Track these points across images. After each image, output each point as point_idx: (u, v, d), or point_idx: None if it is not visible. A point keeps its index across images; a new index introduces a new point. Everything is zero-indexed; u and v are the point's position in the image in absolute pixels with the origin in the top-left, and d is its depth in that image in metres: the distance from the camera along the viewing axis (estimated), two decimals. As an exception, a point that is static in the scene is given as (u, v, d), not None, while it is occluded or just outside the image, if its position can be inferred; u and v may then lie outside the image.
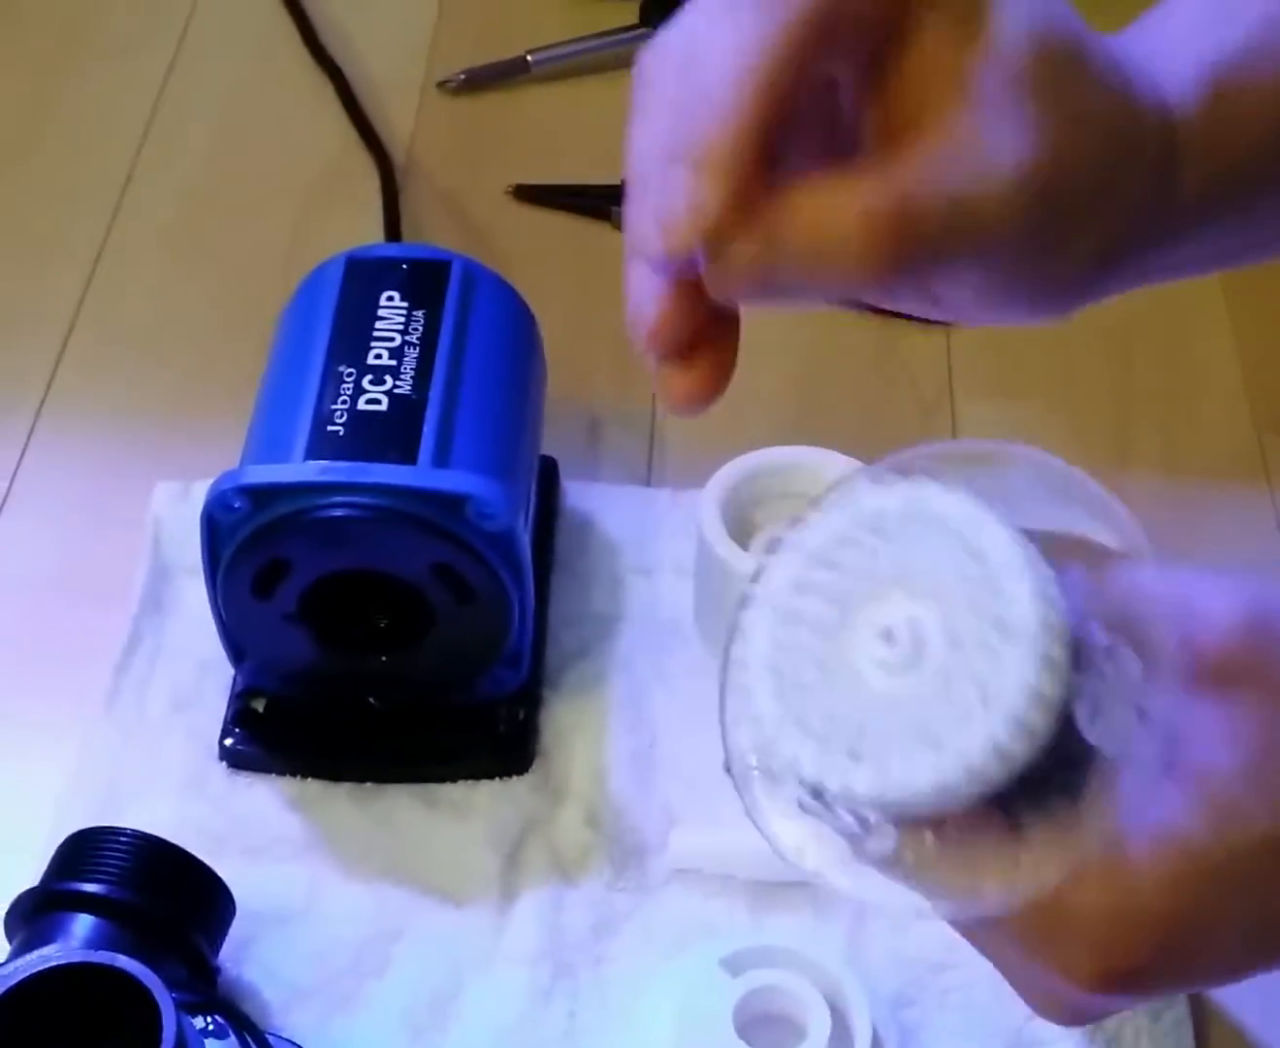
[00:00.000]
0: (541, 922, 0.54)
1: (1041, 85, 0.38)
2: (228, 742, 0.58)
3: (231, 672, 0.59)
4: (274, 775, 0.58)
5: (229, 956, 0.52)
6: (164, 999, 0.44)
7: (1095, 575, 0.37)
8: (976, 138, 0.38)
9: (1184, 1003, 0.52)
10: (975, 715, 0.34)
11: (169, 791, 0.57)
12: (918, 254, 0.38)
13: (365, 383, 0.56)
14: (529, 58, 0.85)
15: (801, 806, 0.36)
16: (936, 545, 0.35)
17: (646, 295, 0.40)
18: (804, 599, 0.36)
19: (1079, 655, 0.35)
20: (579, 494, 0.66)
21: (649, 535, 0.65)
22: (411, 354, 0.57)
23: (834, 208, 0.38)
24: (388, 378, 0.56)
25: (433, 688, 0.58)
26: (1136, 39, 0.43)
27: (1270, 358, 0.73)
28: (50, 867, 0.51)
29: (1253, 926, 0.38)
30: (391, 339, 0.57)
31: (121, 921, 0.49)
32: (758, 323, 0.75)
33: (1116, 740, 0.35)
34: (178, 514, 0.65)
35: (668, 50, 0.39)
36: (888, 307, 0.43)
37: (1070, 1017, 0.41)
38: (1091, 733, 0.35)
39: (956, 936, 0.40)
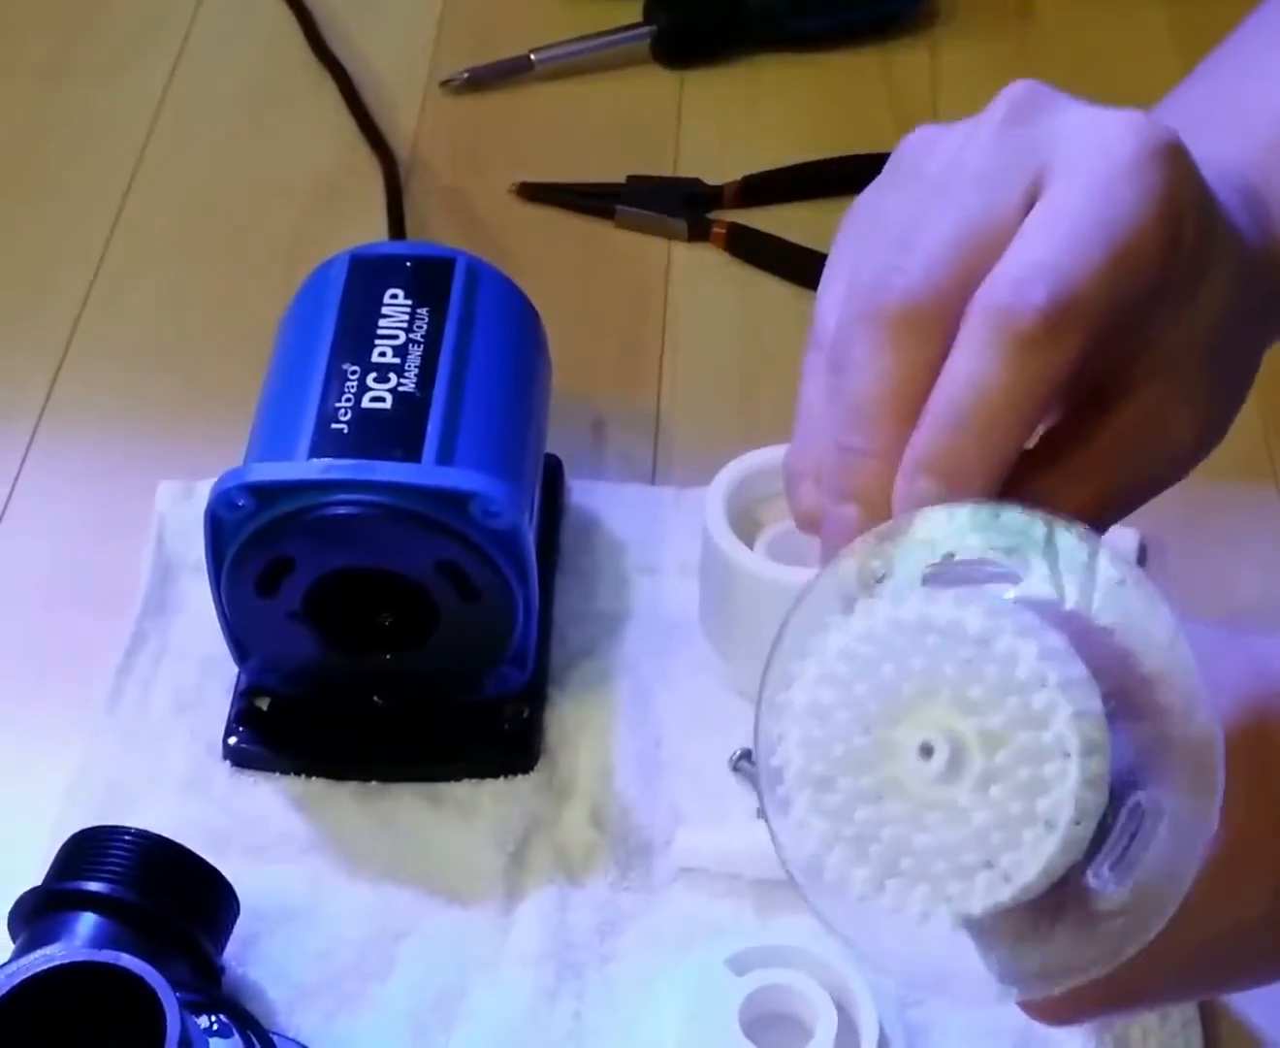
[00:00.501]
0: (546, 922, 0.54)
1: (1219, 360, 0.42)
2: (231, 741, 0.58)
3: (235, 670, 0.59)
4: (278, 775, 0.57)
5: (233, 955, 0.52)
6: (168, 998, 0.43)
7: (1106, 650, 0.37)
8: (1166, 413, 0.42)
9: (1193, 1004, 0.52)
10: (1025, 837, 0.34)
11: (172, 790, 0.57)
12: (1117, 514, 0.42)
13: (369, 381, 0.56)
14: (532, 56, 0.85)
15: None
16: (960, 656, 0.35)
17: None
18: (836, 712, 0.36)
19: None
20: (584, 493, 0.66)
21: (654, 534, 0.65)
22: (416, 352, 0.57)
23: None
24: (392, 376, 0.56)
25: (437, 686, 0.58)
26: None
27: (1278, 356, 0.73)
28: (54, 866, 0.51)
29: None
30: (396, 337, 0.57)
31: (125, 920, 0.48)
32: (761, 322, 0.75)
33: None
34: (181, 513, 0.65)
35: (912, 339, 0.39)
36: None
37: None
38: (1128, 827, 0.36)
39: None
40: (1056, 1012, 0.40)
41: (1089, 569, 0.37)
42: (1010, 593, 0.37)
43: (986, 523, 0.37)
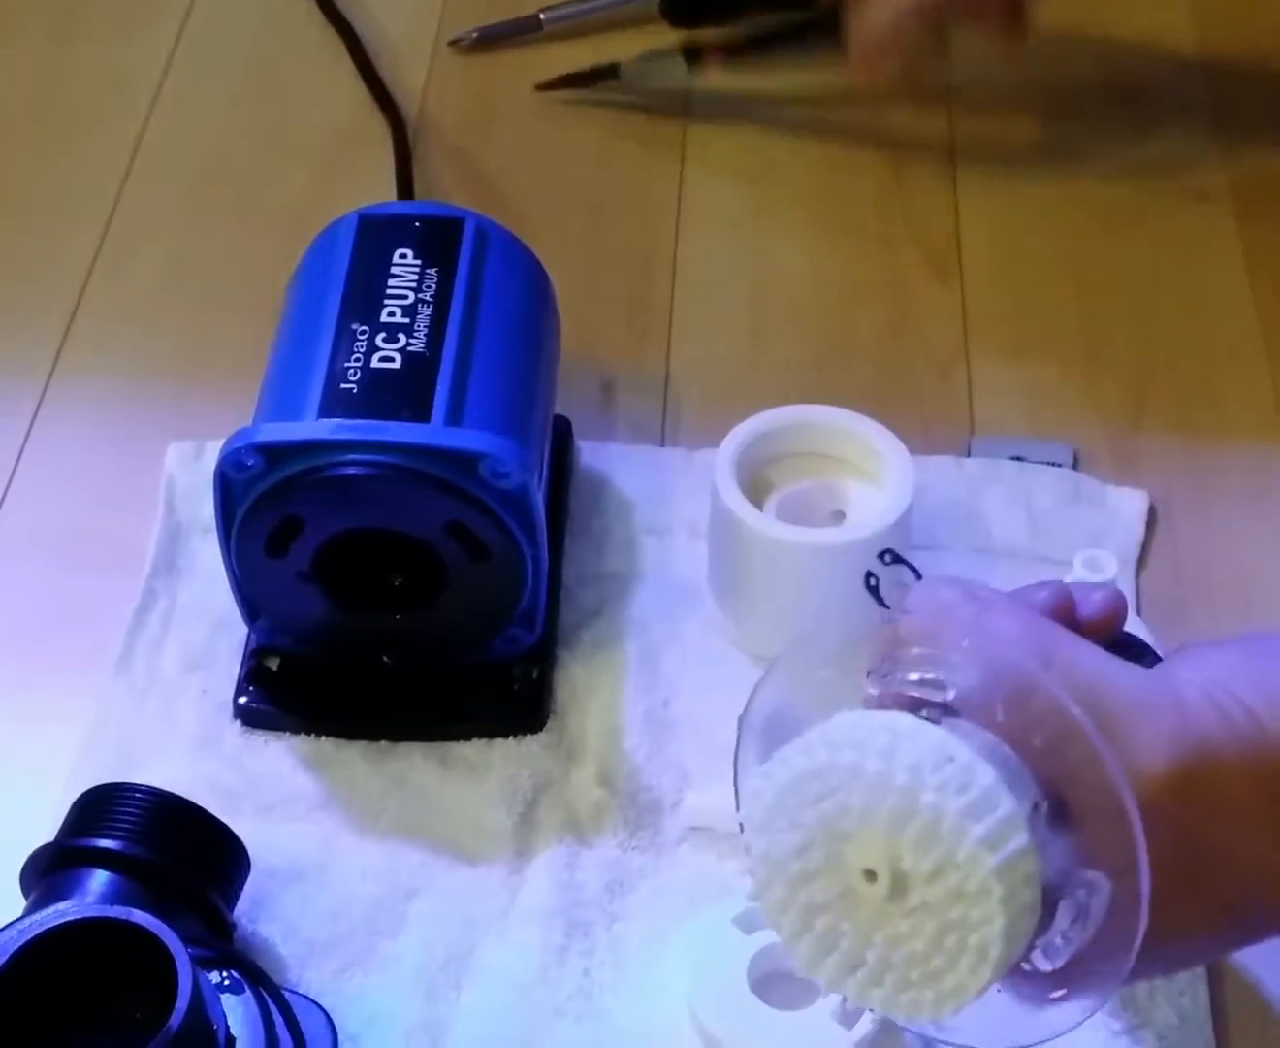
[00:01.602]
0: (555, 880, 0.54)
1: None
2: (242, 700, 0.58)
3: (245, 630, 0.59)
4: (288, 734, 0.58)
5: (244, 912, 0.52)
6: (180, 954, 0.44)
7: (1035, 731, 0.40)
8: None
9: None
10: (962, 964, 0.38)
11: (183, 749, 0.57)
12: None
13: (378, 341, 0.56)
14: (541, 16, 0.84)
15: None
16: (888, 804, 0.38)
17: None
18: (788, 835, 0.40)
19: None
20: (593, 454, 0.66)
21: (663, 495, 0.65)
22: (425, 312, 0.57)
23: None
24: (401, 336, 0.56)
25: (447, 647, 0.58)
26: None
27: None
28: (66, 823, 0.51)
29: None
30: (405, 297, 0.57)
31: (137, 876, 0.49)
32: (773, 282, 0.75)
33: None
34: (191, 474, 0.65)
35: None
36: None
37: None
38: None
39: None
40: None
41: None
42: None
43: None
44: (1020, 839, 0.38)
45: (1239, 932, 0.43)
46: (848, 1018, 0.49)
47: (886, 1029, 0.49)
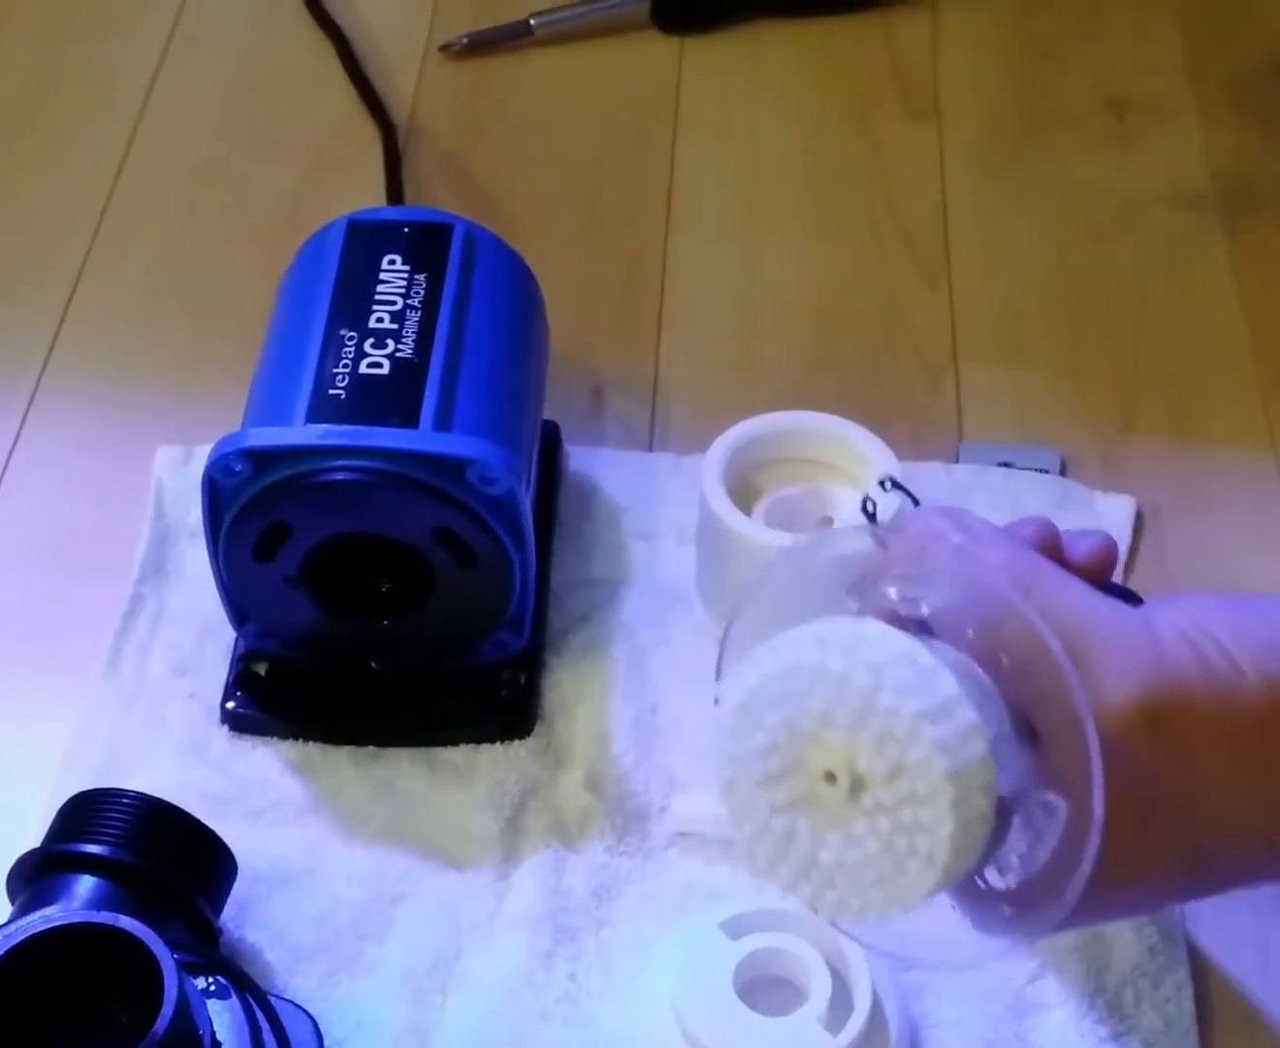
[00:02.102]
0: (543, 886, 0.54)
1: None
2: (229, 705, 0.58)
3: (233, 635, 0.59)
4: (275, 739, 0.58)
5: (231, 918, 0.52)
6: (166, 960, 0.44)
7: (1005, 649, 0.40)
8: None
9: (1184, 966, 0.52)
10: (910, 867, 0.38)
11: (171, 754, 0.57)
12: None
13: (367, 347, 0.56)
14: (532, 21, 0.85)
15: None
16: (850, 706, 0.38)
17: None
18: (752, 735, 0.40)
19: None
20: (581, 459, 0.66)
21: (651, 500, 0.65)
22: (413, 318, 0.57)
23: None
24: (389, 342, 0.56)
25: (435, 652, 0.58)
26: None
27: (1277, 325, 0.73)
28: (52, 828, 0.51)
29: None
30: (393, 303, 0.57)
31: (123, 882, 0.49)
32: (762, 289, 0.75)
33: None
34: (179, 478, 0.65)
35: None
36: None
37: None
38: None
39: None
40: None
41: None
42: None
43: None
44: (977, 748, 0.38)
45: (1199, 879, 0.43)
46: (833, 1024, 0.49)
47: (872, 1034, 0.49)
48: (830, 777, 0.39)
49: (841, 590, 0.43)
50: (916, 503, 0.48)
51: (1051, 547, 0.45)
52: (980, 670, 0.40)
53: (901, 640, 0.39)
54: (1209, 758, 0.40)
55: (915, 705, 0.38)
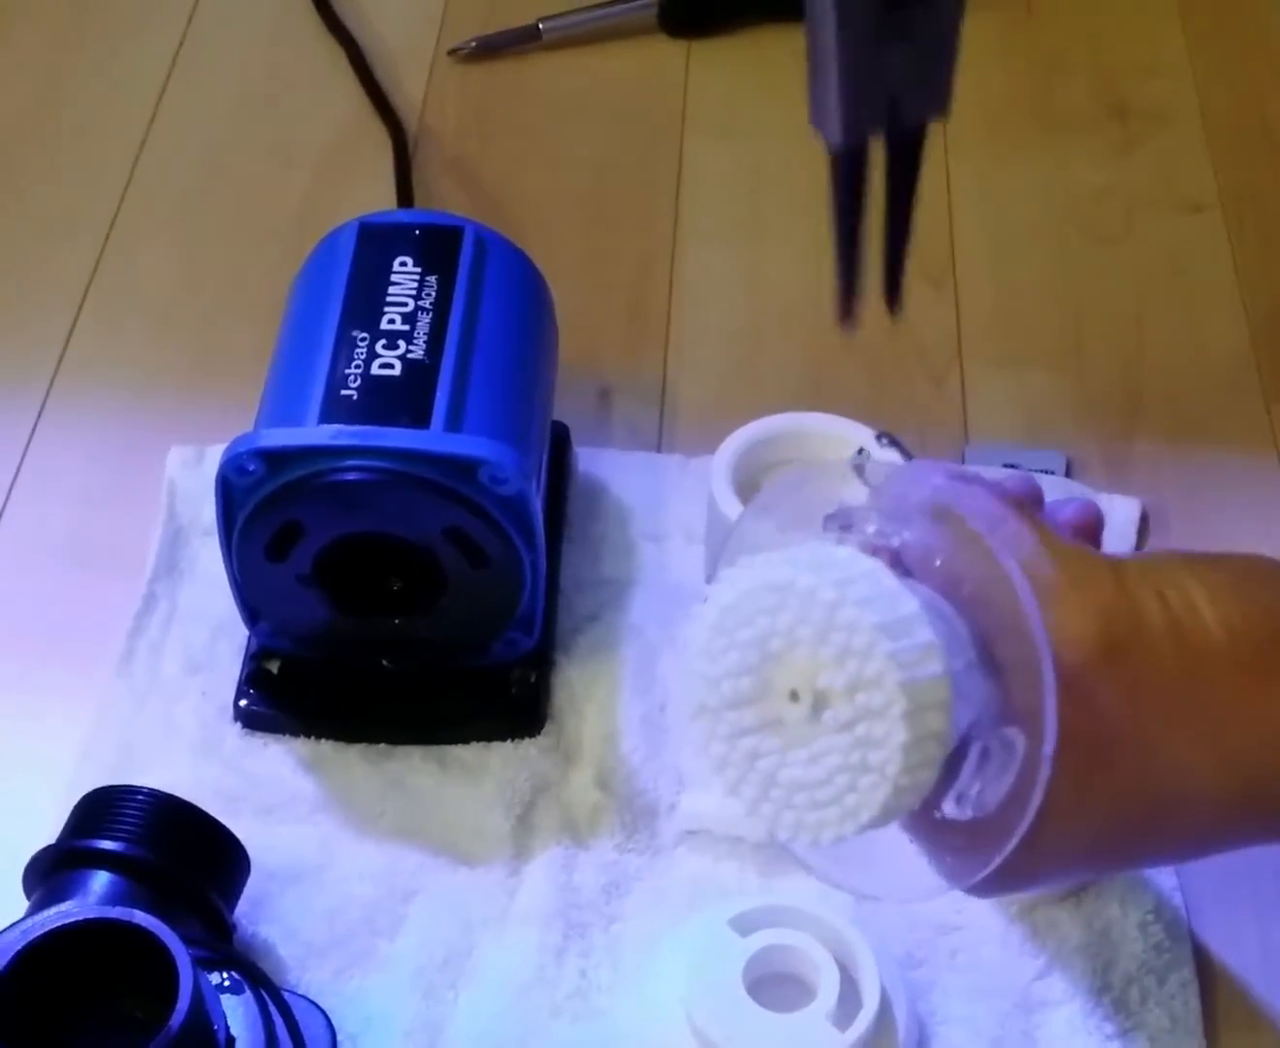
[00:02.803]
0: (553, 883, 0.55)
1: None
2: (242, 703, 0.59)
3: (246, 634, 0.59)
4: (288, 736, 0.58)
5: (244, 914, 0.53)
6: (181, 955, 0.44)
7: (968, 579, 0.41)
8: None
9: (1190, 964, 0.53)
10: (862, 783, 0.39)
11: (184, 751, 0.58)
12: None
13: (379, 348, 0.56)
14: (540, 25, 0.85)
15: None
16: (813, 619, 0.39)
17: None
18: (725, 655, 0.40)
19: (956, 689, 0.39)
20: (590, 460, 0.67)
21: (660, 501, 0.66)
22: (424, 319, 0.57)
23: None
24: (401, 343, 0.56)
25: (445, 651, 0.58)
26: None
27: (1279, 329, 0.74)
28: (68, 825, 0.51)
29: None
30: (404, 304, 0.58)
31: (138, 878, 0.49)
32: (766, 292, 0.75)
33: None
34: (192, 478, 0.65)
35: None
36: None
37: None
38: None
39: (963, 894, 0.42)
40: (976, 891, 0.43)
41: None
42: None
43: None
44: (933, 667, 0.38)
45: (1160, 834, 0.42)
46: (842, 1020, 0.49)
47: (880, 1030, 0.50)
48: (794, 696, 0.39)
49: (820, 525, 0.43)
50: (909, 458, 0.48)
51: (1033, 502, 0.45)
52: (948, 606, 0.41)
53: (867, 562, 0.40)
54: (1167, 698, 0.40)
55: (874, 619, 0.38)
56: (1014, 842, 0.39)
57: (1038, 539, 0.42)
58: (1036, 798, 0.39)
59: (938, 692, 0.38)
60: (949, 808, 0.41)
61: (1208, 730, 0.41)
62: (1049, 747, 0.39)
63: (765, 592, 0.39)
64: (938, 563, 0.41)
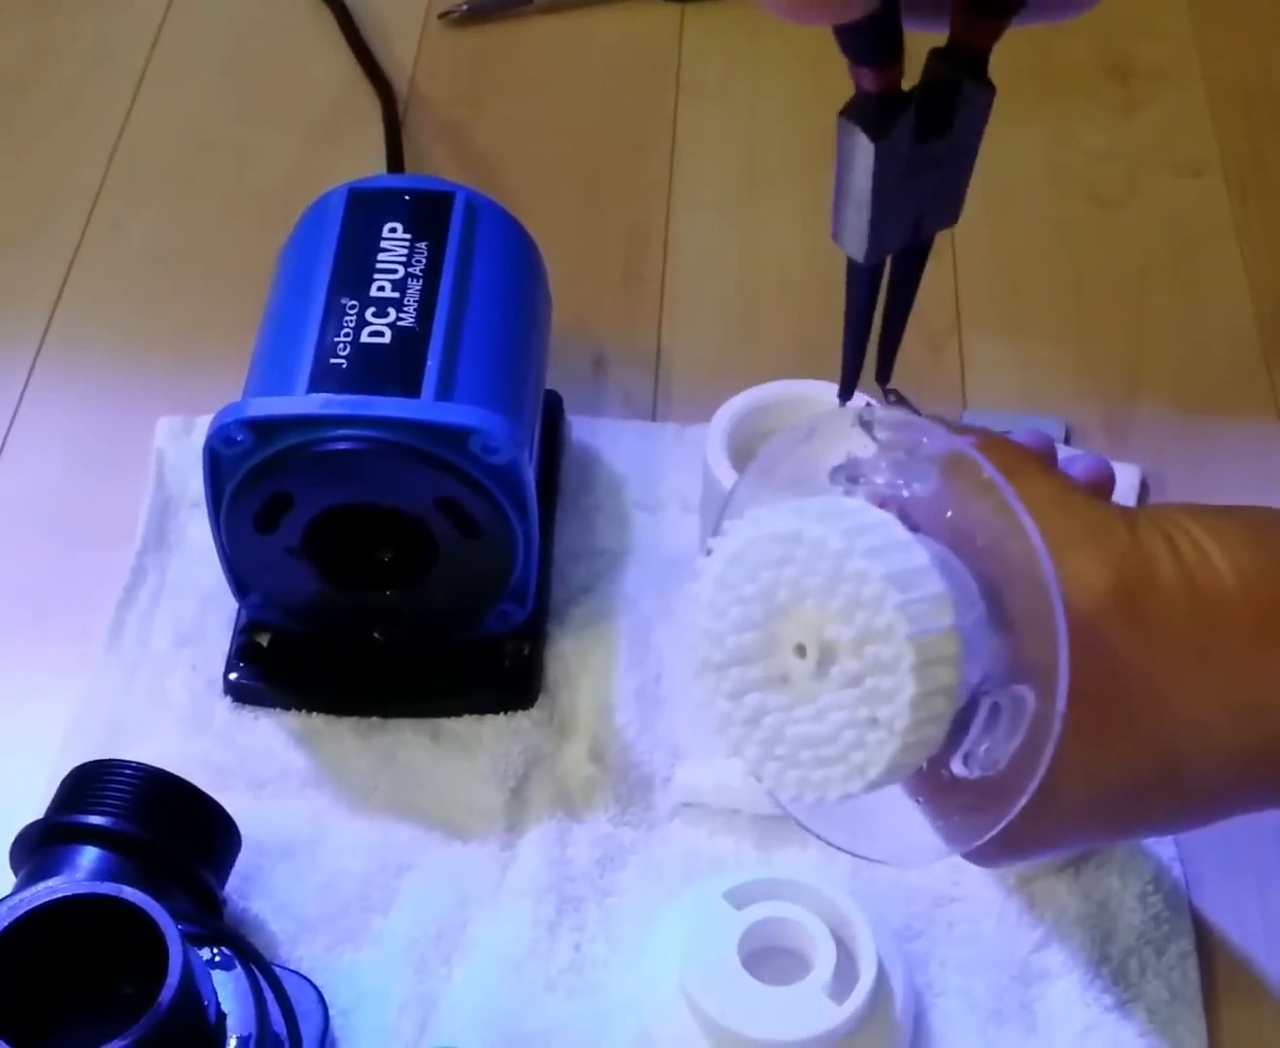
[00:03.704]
0: (547, 856, 0.54)
1: None
2: (232, 676, 0.58)
3: (235, 606, 0.59)
4: (278, 710, 0.58)
5: (235, 889, 0.52)
6: (170, 931, 0.44)
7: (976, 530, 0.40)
8: None
9: (1189, 936, 0.52)
10: (869, 739, 0.38)
11: (173, 725, 0.57)
12: None
13: (368, 315, 0.56)
14: (532, -12, 0.84)
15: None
16: (821, 569, 0.38)
17: None
18: (729, 609, 0.39)
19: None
20: (584, 429, 0.66)
21: (654, 471, 0.65)
22: (415, 286, 0.57)
23: None
24: (391, 310, 0.56)
25: (437, 623, 0.58)
26: None
27: (1281, 290, 0.73)
28: (56, 799, 0.51)
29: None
30: (394, 271, 0.57)
31: (127, 853, 0.49)
32: (761, 258, 0.75)
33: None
34: (181, 449, 0.65)
35: None
36: None
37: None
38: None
39: (962, 866, 0.42)
40: (979, 859, 0.43)
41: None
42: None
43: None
44: (943, 620, 0.37)
45: (1176, 793, 0.41)
46: (838, 993, 0.49)
47: (877, 1003, 0.49)
48: (801, 650, 0.38)
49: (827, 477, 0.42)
50: (918, 414, 0.47)
51: (1046, 457, 0.44)
52: (957, 560, 0.40)
53: (877, 513, 0.39)
54: (1181, 649, 0.40)
55: (883, 570, 0.37)
56: (1023, 800, 0.39)
57: (1051, 490, 0.41)
58: (1047, 755, 0.38)
59: (948, 645, 0.37)
60: (956, 767, 0.40)
61: (1222, 683, 0.40)
62: (1060, 702, 0.38)
63: (772, 542, 0.38)
64: (949, 514, 0.40)
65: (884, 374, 0.45)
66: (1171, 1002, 0.51)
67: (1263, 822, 0.44)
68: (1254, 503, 0.65)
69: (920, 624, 0.37)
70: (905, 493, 0.41)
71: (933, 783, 0.41)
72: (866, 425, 0.42)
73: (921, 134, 0.40)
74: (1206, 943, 0.53)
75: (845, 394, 0.44)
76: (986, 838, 0.40)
